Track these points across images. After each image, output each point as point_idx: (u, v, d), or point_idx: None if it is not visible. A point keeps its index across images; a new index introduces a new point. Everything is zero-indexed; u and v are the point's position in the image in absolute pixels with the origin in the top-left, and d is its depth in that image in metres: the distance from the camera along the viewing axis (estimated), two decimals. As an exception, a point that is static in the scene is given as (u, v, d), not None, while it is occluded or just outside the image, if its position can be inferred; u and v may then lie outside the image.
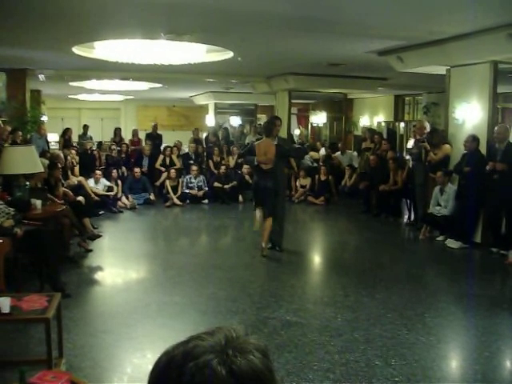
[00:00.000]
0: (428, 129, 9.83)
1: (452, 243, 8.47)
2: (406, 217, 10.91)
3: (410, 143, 12.62)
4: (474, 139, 8.30)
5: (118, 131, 16.40)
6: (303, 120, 22.10)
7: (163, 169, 13.29)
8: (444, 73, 9.14)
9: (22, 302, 3.89)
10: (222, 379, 0.85)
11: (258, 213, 8.05)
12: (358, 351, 4.53)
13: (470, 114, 8.63)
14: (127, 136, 17.28)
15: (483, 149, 8.31)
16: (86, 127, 17.52)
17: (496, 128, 8.25)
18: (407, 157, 12.47)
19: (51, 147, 13.38)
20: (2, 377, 3.92)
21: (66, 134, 14.36)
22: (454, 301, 6.12)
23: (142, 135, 16.39)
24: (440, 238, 8.87)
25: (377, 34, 7.89)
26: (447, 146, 9.00)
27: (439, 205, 8.89)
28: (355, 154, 14.82)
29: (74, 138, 16.63)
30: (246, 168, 13.11)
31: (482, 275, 7.35)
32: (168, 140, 15.95)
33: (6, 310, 3.73)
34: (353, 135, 18.49)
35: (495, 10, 6.39)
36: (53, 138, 15.52)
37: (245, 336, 0.93)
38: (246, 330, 0.97)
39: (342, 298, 5.98)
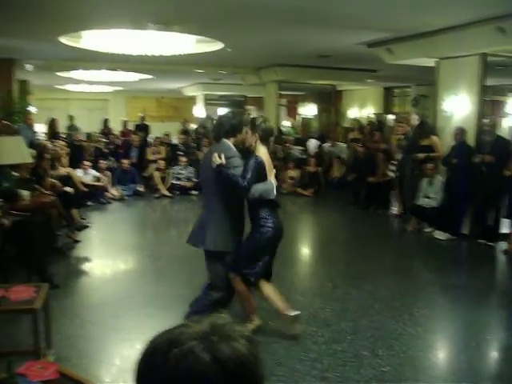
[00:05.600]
0: (416, 121, 9.76)
1: (440, 235, 8.53)
2: (395, 208, 10.93)
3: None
4: (462, 131, 8.34)
5: (106, 122, 16.30)
6: (292, 112, 22.07)
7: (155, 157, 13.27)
8: (433, 65, 9.15)
9: (9, 293, 3.87)
10: (205, 365, 0.86)
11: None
12: (346, 342, 4.56)
13: (458, 107, 8.65)
14: (116, 127, 17.18)
15: (471, 141, 8.35)
16: (71, 118, 17.37)
17: (485, 121, 8.29)
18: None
19: (38, 138, 13.25)
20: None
21: (53, 125, 14.17)
22: (442, 292, 6.17)
23: (130, 126, 16.31)
24: (428, 230, 8.91)
25: (367, 25, 7.87)
26: (435, 137, 9.02)
27: (427, 197, 8.93)
28: (344, 145, 14.82)
29: (61, 129, 16.52)
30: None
31: (469, 267, 7.41)
32: (157, 131, 15.89)
33: (-7, 300, 3.72)
34: (340, 127, 18.48)
35: (485, 2, 6.41)
36: (40, 128, 15.35)
37: (231, 324, 0.93)
38: (234, 319, 0.98)
39: (330, 290, 6.00)
